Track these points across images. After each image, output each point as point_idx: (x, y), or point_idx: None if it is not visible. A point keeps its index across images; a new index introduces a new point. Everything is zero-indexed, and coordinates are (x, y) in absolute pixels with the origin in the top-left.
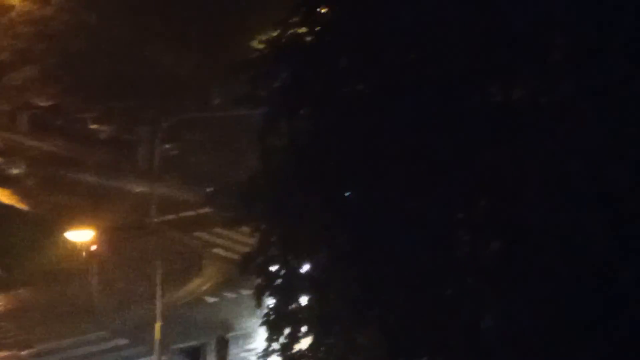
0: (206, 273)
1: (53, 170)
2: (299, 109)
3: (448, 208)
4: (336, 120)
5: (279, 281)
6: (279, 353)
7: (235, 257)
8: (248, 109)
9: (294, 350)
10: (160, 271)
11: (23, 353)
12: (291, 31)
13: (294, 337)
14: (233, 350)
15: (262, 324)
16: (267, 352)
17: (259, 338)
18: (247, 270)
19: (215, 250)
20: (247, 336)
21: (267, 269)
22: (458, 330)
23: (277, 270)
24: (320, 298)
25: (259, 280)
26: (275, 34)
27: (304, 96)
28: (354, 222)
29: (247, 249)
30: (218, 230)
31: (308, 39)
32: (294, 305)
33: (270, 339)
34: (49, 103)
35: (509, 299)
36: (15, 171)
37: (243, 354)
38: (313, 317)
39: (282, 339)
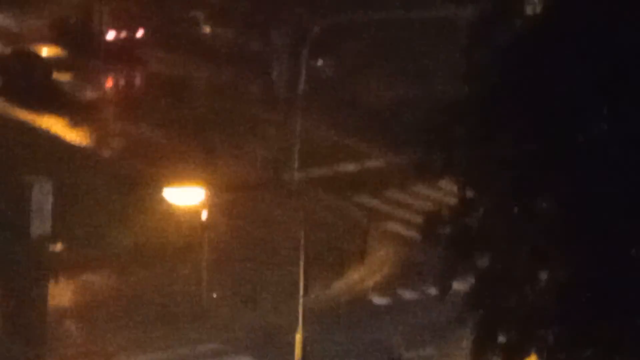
0: (373, 259)
1: (146, 96)
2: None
3: None
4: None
5: (484, 262)
6: None
7: (418, 236)
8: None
9: None
10: (303, 254)
11: None
12: None
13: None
14: None
15: (475, 338)
16: None
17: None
18: (434, 238)
19: (388, 224)
20: (436, 357)
21: (466, 239)
22: None
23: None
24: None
25: (447, 257)
26: None
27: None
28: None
29: None
30: (393, 193)
31: None
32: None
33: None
34: None
35: None
36: (91, 94)
37: None
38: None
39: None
